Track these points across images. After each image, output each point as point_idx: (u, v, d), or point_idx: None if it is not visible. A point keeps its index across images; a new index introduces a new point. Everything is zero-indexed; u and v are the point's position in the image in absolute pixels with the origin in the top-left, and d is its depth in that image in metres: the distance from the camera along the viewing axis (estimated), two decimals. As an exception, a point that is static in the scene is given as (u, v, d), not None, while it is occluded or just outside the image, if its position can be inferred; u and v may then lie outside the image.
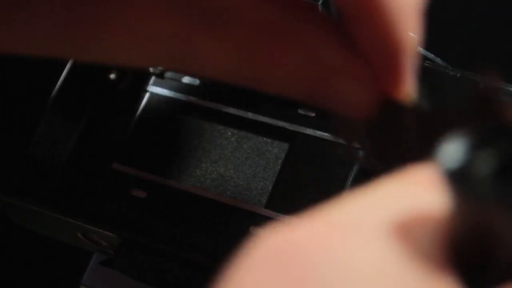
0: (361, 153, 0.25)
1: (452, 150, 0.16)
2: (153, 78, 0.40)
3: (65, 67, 0.39)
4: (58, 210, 0.38)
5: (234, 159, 0.37)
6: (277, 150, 0.37)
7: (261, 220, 0.35)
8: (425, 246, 0.17)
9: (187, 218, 0.36)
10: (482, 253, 0.17)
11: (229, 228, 0.35)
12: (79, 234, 0.42)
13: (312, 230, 0.17)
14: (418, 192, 0.18)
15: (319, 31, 0.26)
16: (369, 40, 0.25)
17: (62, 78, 0.39)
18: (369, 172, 0.28)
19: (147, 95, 0.39)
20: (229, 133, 0.38)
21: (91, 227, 0.39)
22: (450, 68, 0.35)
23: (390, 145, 0.24)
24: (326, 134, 0.37)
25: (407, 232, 0.17)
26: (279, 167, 0.37)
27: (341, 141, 0.25)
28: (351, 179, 0.36)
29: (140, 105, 0.39)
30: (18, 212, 0.42)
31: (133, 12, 0.25)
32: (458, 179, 0.16)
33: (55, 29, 0.25)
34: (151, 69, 0.40)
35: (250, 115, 0.38)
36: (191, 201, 0.36)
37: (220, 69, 0.26)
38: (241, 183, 0.36)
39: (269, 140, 0.37)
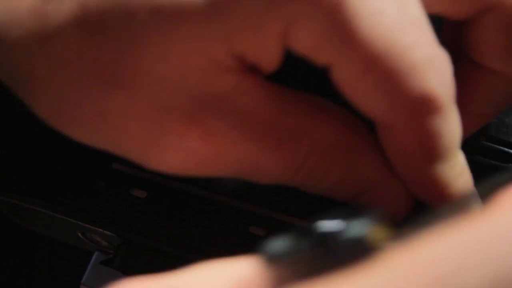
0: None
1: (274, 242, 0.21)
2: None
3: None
4: (58, 210, 0.38)
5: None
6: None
7: (261, 220, 0.35)
8: None
9: (187, 218, 0.36)
10: None
11: (229, 228, 0.35)
12: (79, 234, 0.42)
13: None
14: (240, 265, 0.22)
15: (364, 149, 0.29)
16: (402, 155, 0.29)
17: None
18: None
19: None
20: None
21: (91, 226, 0.39)
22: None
23: None
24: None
25: None
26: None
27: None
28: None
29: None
30: (18, 212, 0.42)
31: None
32: (277, 257, 0.20)
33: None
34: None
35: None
36: (191, 201, 0.36)
37: (275, 179, 0.30)
38: (241, 183, 0.36)
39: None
